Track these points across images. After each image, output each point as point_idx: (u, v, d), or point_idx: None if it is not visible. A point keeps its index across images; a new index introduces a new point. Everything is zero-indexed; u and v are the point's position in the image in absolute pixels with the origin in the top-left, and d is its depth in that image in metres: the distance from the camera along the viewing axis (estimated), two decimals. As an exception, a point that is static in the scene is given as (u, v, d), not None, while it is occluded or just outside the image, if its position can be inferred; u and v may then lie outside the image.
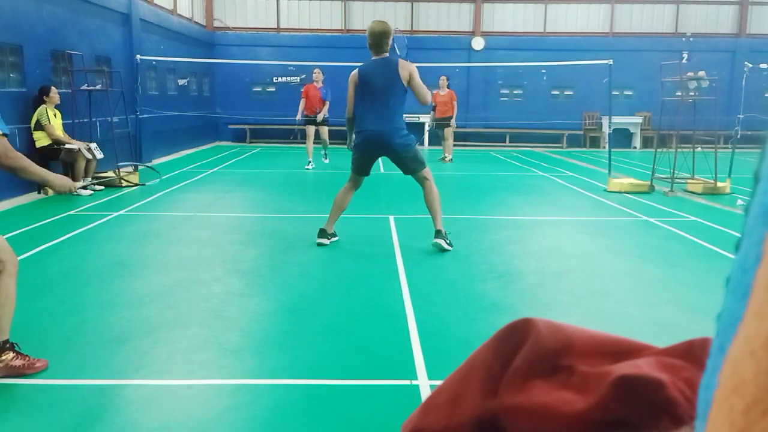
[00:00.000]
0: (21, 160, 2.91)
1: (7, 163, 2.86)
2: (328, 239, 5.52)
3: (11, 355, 2.92)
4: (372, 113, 5.24)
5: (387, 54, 5.30)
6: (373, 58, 5.31)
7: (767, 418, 0.25)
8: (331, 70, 14.04)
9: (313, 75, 11.71)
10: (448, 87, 13.38)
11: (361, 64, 5.40)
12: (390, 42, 5.31)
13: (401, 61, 5.25)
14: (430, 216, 5.41)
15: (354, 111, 5.43)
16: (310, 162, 11.80)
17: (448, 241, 5.36)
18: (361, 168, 5.47)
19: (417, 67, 5.32)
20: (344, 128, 5.64)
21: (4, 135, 2.83)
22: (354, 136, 5.45)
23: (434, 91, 12.61)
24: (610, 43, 17.84)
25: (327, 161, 12.03)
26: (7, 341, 2.94)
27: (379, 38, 5.22)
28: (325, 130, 11.76)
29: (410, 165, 5.35)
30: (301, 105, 11.70)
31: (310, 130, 11.79)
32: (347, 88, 5.40)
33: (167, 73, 14.33)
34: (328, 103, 11.58)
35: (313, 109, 11.56)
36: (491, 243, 5.57)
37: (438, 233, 5.34)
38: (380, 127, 5.21)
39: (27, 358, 2.97)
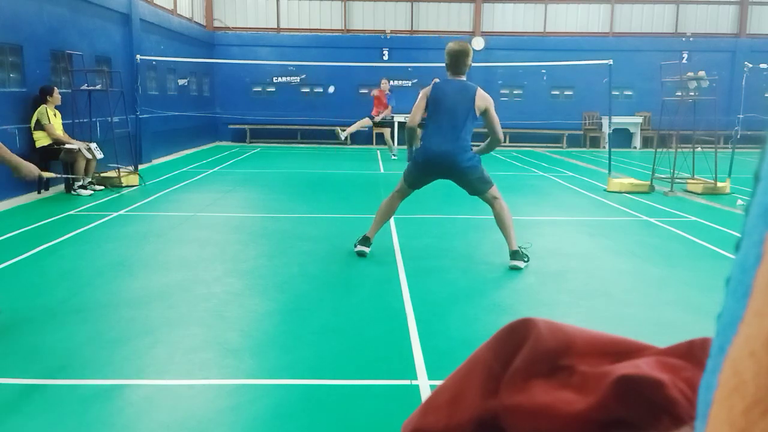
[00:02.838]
0: None
1: None
2: (368, 248, 5.23)
3: None
4: (439, 134, 4.94)
5: (464, 77, 5.04)
6: (450, 77, 5.05)
7: (767, 419, 0.25)
8: (331, 70, 14.06)
9: (381, 84, 13.66)
10: None
11: (437, 81, 5.10)
12: (469, 63, 5.04)
13: (480, 91, 4.96)
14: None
15: (422, 128, 5.11)
16: (393, 154, 14.00)
17: (526, 259, 4.98)
18: (415, 183, 5.18)
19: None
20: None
21: None
22: (415, 150, 5.10)
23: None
24: (610, 43, 17.84)
25: (395, 157, 13.94)
26: None
27: (456, 58, 4.98)
28: (386, 131, 14.09)
29: (477, 186, 5.02)
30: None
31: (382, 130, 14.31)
32: (417, 98, 5.12)
33: (167, 73, 14.32)
34: (390, 107, 13.63)
35: (377, 112, 13.81)
36: (491, 243, 5.57)
37: (514, 254, 4.93)
38: (445, 148, 4.90)
39: None
